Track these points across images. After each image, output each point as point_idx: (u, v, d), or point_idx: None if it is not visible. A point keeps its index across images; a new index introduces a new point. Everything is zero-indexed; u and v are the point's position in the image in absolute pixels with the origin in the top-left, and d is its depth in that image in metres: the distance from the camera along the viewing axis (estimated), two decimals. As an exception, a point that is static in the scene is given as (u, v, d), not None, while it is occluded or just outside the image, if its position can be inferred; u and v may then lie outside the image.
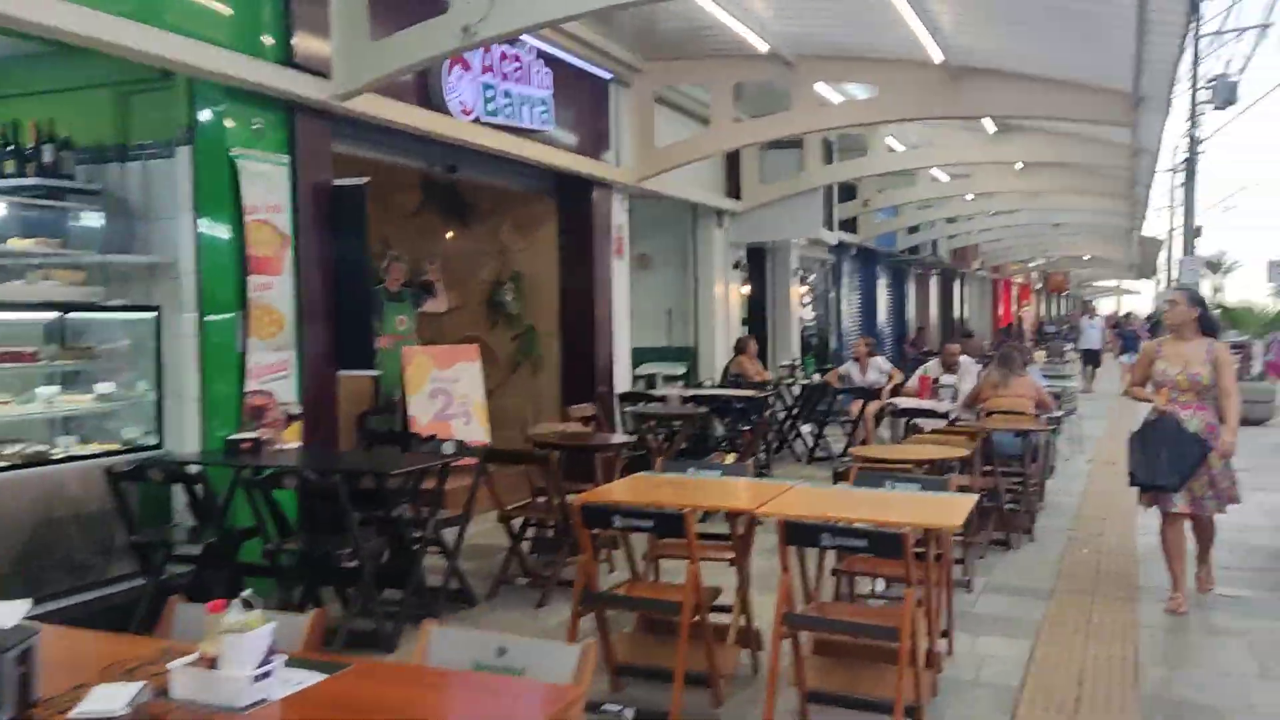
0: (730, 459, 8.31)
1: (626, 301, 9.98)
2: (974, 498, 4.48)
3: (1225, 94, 30.02)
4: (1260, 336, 15.70)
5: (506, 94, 7.76)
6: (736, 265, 12.55)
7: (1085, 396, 18.01)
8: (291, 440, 5.79)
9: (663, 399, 9.57)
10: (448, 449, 5.60)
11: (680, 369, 12.22)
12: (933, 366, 9.84)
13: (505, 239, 9.51)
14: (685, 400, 9.54)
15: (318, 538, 4.99)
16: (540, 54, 8.17)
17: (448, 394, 8.34)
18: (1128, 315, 20.57)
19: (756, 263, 14.27)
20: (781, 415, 11.62)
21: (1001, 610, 5.77)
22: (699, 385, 11.60)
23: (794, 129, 9.44)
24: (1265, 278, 36.28)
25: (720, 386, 11.31)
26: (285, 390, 5.85)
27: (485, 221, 9.62)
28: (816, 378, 11.77)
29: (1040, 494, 8.80)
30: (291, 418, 5.82)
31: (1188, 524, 5.82)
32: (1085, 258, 32.52)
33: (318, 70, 5.97)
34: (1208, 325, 5.74)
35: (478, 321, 9.57)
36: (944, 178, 15.39)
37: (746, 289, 12.68)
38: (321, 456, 5.54)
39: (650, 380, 11.16)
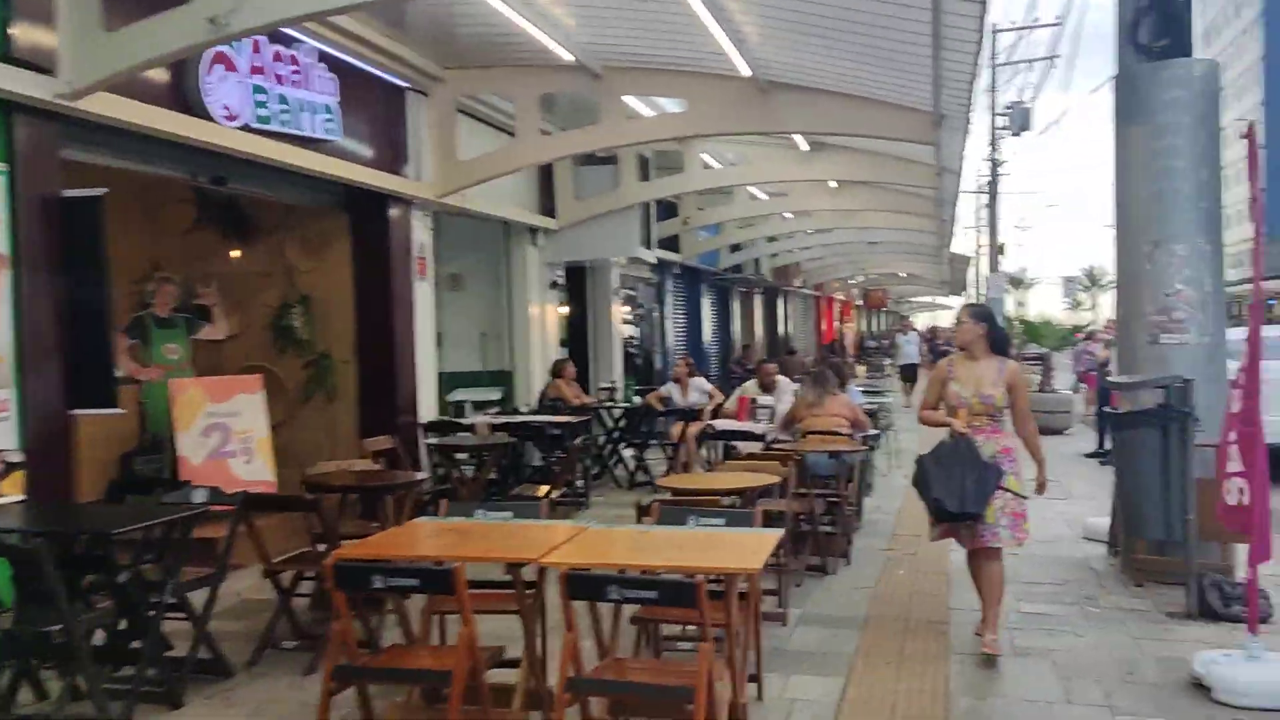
0: (541, 491, 7.90)
1: (432, 324, 9.38)
2: (778, 534, 4.18)
3: (1020, 120, 32.06)
4: (1057, 349, 16.48)
5: (282, 99, 7.07)
6: (554, 285, 12.12)
7: (905, 411, 18.46)
8: (10, 493, 4.96)
9: (471, 428, 9.02)
10: (198, 496, 4.90)
11: (496, 394, 11.68)
12: (750, 387, 9.67)
13: (292, 258, 8.75)
14: (496, 428, 9.01)
15: (29, 610, 4.21)
16: (323, 57, 7.52)
17: (225, 430, 7.53)
18: (933, 330, 20.95)
19: (576, 282, 13.88)
20: (602, 439, 11.25)
21: (815, 644, 5.51)
22: (515, 411, 11.09)
23: (603, 143, 9.10)
24: (1061, 293, 38.70)
25: (537, 412, 10.84)
26: (2, 436, 5.01)
27: (269, 239, 8.83)
28: (637, 400, 11.45)
29: (858, 514, 8.72)
30: (9, 467, 4.98)
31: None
32: (902, 275, 33.79)
33: (41, 66, 5.18)
34: (997, 343, 5.40)
35: (263, 349, 8.75)
36: (762, 195, 15.45)
37: (565, 309, 12.26)
38: (37, 513, 4.74)
39: (460, 408, 10.57)
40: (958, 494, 5.12)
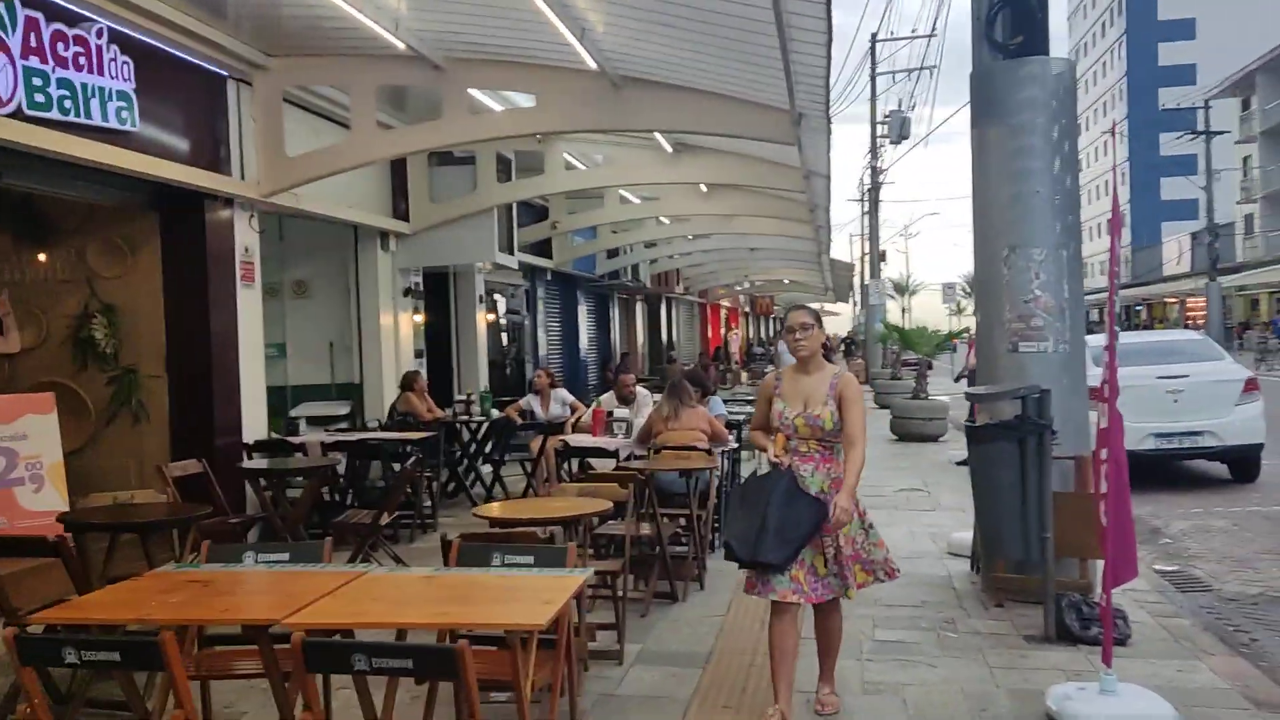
0: (366, 517, 7.22)
1: (259, 336, 8.60)
2: (584, 576, 3.64)
3: (899, 128, 32.45)
4: (932, 355, 16.46)
5: (64, 83, 6.26)
6: (408, 292, 11.41)
7: None
8: None
9: (302, 448, 8.27)
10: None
11: (343, 409, 10.91)
12: (607, 399, 9.17)
13: (94, 264, 7.87)
14: (330, 447, 8.29)
15: None
16: (117, 38, 6.72)
17: (10, 455, 6.70)
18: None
19: (439, 290, 13.19)
20: (459, 455, 10.60)
21: (651, 685, 5.00)
22: (362, 426, 10.35)
23: (447, 139, 8.47)
24: (940, 299, 39.51)
25: (387, 428, 10.13)
26: None
27: (69, 243, 7.94)
28: (496, 413, 10.83)
29: (715, 534, 8.30)
30: None
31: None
32: (786, 281, 33.90)
33: None
34: (826, 351, 4.86)
35: (61, 364, 7.86)
36: (634, 199, 15.01)
37: (420, 318, 11.56)
38: None
39: (295, 425, 9.79)
40: (751, 538, 4.16)
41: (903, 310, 54.95)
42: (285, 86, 8.34)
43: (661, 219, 16.77)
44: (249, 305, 8.40)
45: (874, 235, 31.28)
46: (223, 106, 8.07)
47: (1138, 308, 68.21)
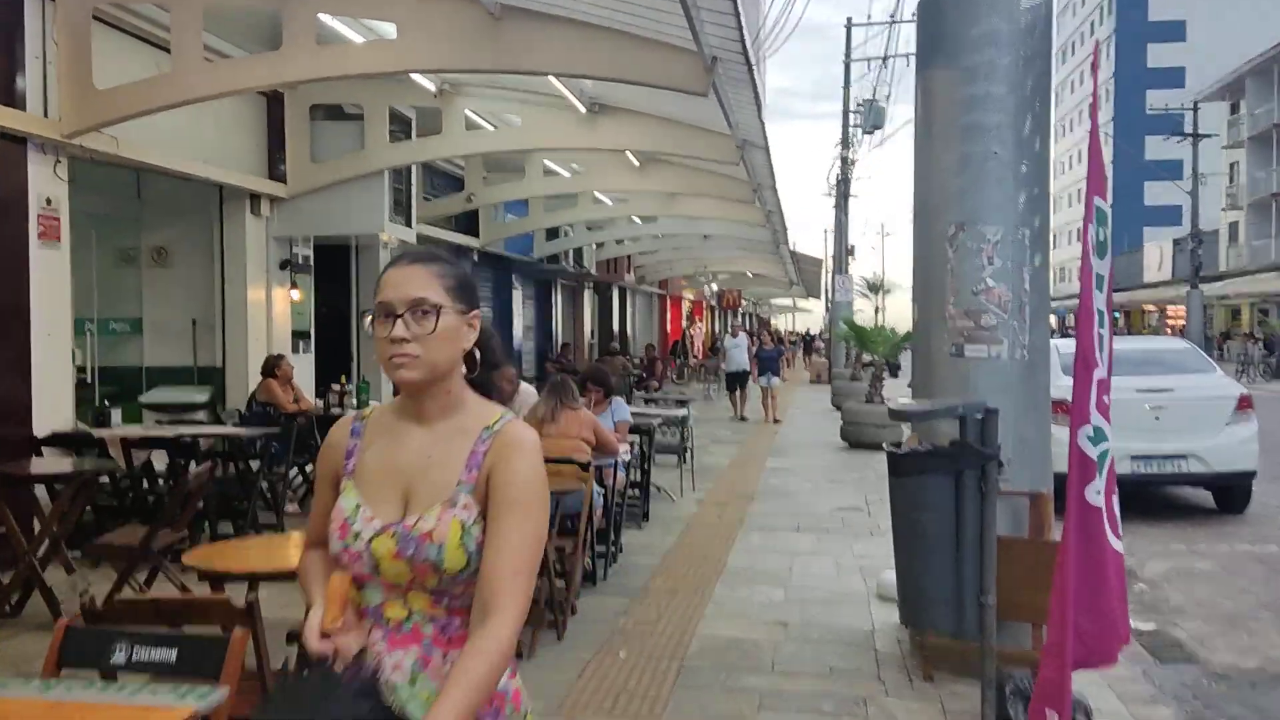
0: (136, 534, 5.76)
1: (64, 306, 7.13)
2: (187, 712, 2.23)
3: (873, 118, 31.18)
4: (890, 357, 15.18)
5: None
6: (286, 265, 9.94)
7: (733, 423, 16.76)
8: None
9: (101, 444, 6.81)
10: None
11: (202, 396, 9.44)
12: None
13: None
14: (134, 442, 6.85)
15: None
16: None
17: None
18: (761, 331, 19.35)
19: (339, 267, 11.74)
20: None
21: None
22: (216, 419, 8.89)
23: (289, 74, 7.00)
24: (911, 298, 38.43)
25: (246, 419, 8.68)
26: None
27: None
28: (374, 405, 9.37)
29: (610, 558, 6.93)
30: None
31: None
32: (750, 275, 32.57)
33: None
34: (484, 379, 1.91)
35: None
36: (562, 172, 13.56)
37: (297, 294, 10.08)
38: None
39: (104, 417, 8.29)
40: None
41: (876, 310, 53.73)
42: (96, 5, 6.85)
43: (599, 196, 15.34)
44: (50, 269, 6.93)
45: (841, 229, 29.97)
46: (17, 25, 6.59)
47: (1115, 314, 67.41)
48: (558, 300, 21.01)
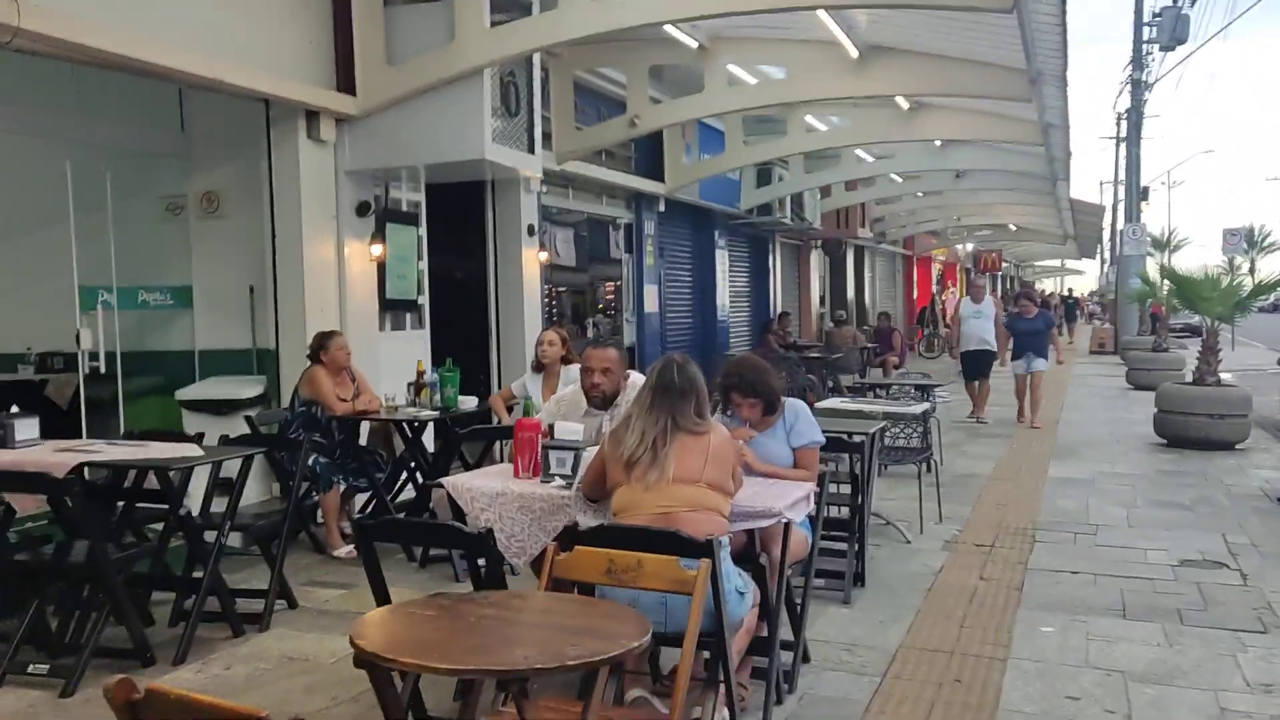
0: None
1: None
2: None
3: (1173, 29, 25.47)
4: (1228, 319, 10.84)
5: None
6: (366, 210, 7.39)
7: (966, 426, 12.52)
8: None
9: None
10: None
11: (256, 388, 7.07)
12: (519, 385, 4.92)
13: None
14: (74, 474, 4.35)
15: None
16: None
17: None
18: (1021, 296, 12.73)
19: (470, 215, 9.15)
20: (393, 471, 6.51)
21: None
22: (272, 417, 6.41)
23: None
24: (1222, 248, 32.01)
25: (285, 424, 6.18)
26: None
27: None
28: (474, 402, 6.62)
29: (780, 685, 3.79)
30: None
31: None
32: (1012, 227, 27.75)
33: None
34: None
35: None
36: (819, 125, 10.40)
37: (378, 249, 7.47)
38: None
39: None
40: None
41: (1160, 269, 46.34)
42: None
43: (861, 154, 12.05)
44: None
45: (1134, 166, 24.68)
46: None
47: None
48: (776, 261, 17.73)
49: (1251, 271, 13.10)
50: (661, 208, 12.32)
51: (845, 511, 5.49)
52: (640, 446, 3.22)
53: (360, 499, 6.46)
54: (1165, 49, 25.43)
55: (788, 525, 3.59)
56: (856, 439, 5.25)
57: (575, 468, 3.73)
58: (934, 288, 32.38)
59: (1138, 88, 24.79)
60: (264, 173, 6.99)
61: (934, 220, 23.96)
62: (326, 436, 6.05)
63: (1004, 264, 46.66)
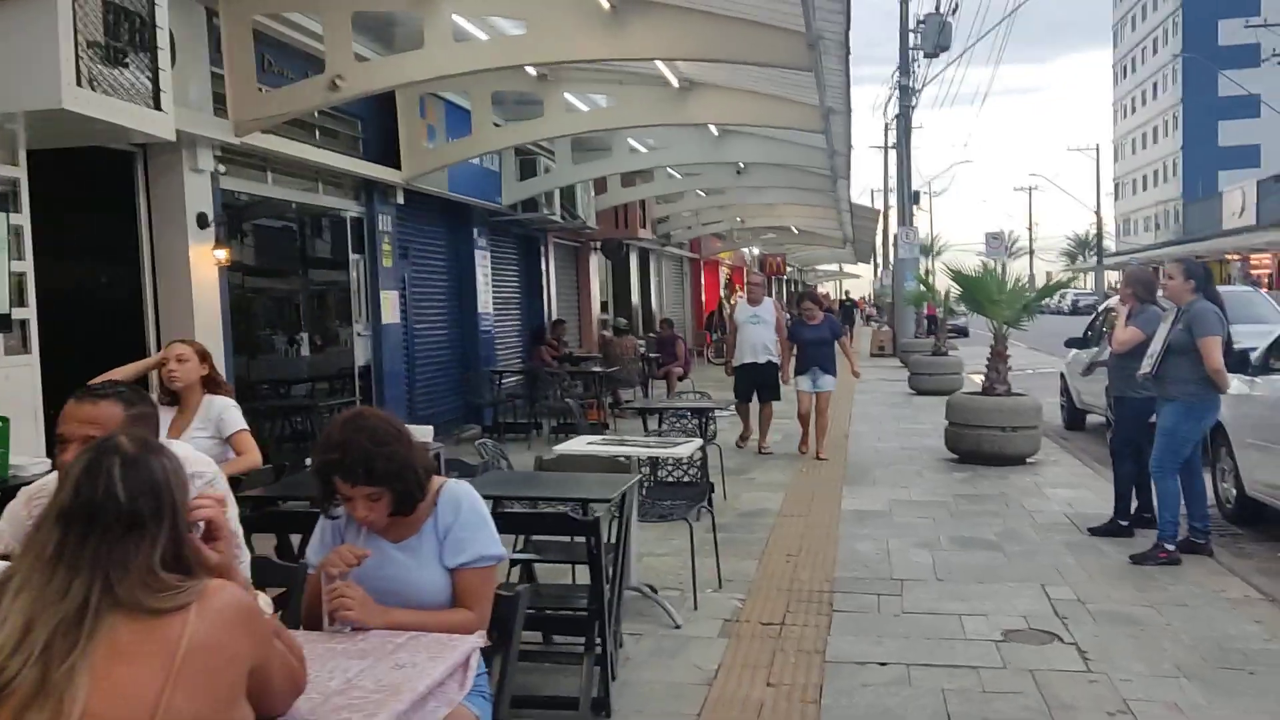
0: None
1: None
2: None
3: (936, 37, 25.76)
4: (1014, 323, 10.07)
5: None
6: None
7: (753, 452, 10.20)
8: None
9: None
10: None
11: None
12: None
13: None
14: None
15: None
16: None
17: None
18: (808, 296, 10.52)
19: (110, 190, 7.00)
20: None
21: None
22: None
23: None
24: (985, 252, 33.03)
25: None
26: None
27: None
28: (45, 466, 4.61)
29: None
30: None
31: None
32: (795, 230, 27.41)
33: None
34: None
35: None
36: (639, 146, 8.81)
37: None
38: None
39: None
40: None
41: (925, 274, 48.21)
42: None
43: (572, 100, 10.46)
44: None
45: (905, 171, 24.77)
46: None
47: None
48: (550, 264, 16.14)
49: (1002, 274, 12.48)
50: (401, 199, 10.46)
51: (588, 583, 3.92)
52: (18, 655, 1.48)
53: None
54: (930, 56, 25.72)
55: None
56: (594, 511, 3.68)
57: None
58: (722, 292, 31.85)
59: (905, 93, 24.93)
60: None
61: (719, 221, 23.09)
62: None
63: (788, 268, 47.26)
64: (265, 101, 7.45)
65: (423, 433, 4.05)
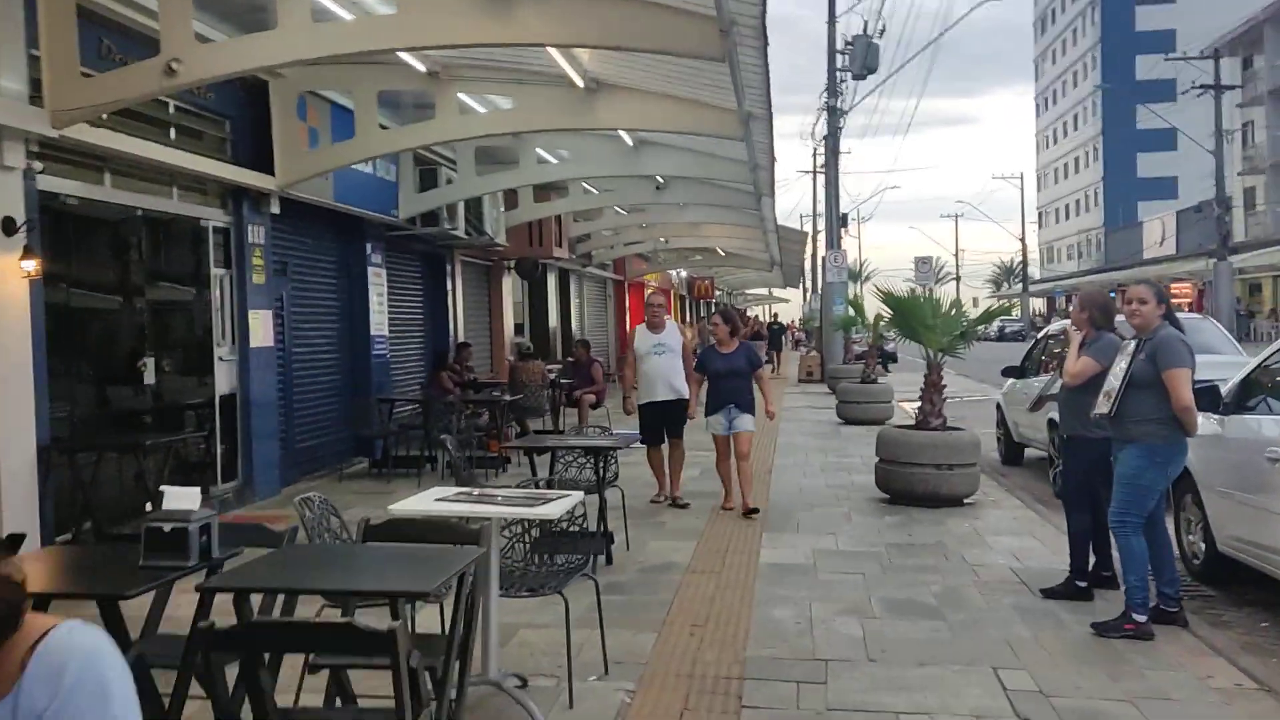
0: None
1: None
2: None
3: (863, 58, 25.36)
4: (949, 350, 9.30)
5: None
6: None
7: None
8: None
9: None
10: None
11: None
12: None
13: None
14: None
15: None
16: None
17: None
18: (718, 312, 9.37)
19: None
20: None
21: None
22: None
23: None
24: (915, 275, 32.67)
25: None
26: None
27: None
28: None
29: None
30: None
31: None
32: (721, 252, 26.68)
33: None
34: None
35: None
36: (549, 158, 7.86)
37: None
38: None
39: None
40: None
41: (854, 298, 47.96)
42: None
43: (466, 101, 9.46)
44: None
45: (833, 194, 24.22)
46: None
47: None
48: (457, 284, 15.03)
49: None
50: (276, 209, 9.34)
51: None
52: None
53: None
54: (857, 77, 25.36)
55: None
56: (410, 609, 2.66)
57: None
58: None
59: (833, 114, 24.45)
60: None
61: (641, 241, 22.21)
62: None
63: (717, 291, 46.60)
64: (88, 89, 6.32)
65: (184, 497, 3.02)
